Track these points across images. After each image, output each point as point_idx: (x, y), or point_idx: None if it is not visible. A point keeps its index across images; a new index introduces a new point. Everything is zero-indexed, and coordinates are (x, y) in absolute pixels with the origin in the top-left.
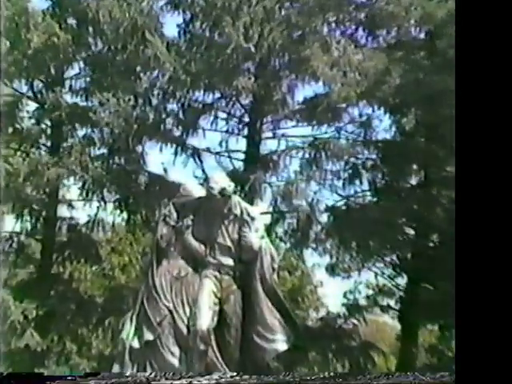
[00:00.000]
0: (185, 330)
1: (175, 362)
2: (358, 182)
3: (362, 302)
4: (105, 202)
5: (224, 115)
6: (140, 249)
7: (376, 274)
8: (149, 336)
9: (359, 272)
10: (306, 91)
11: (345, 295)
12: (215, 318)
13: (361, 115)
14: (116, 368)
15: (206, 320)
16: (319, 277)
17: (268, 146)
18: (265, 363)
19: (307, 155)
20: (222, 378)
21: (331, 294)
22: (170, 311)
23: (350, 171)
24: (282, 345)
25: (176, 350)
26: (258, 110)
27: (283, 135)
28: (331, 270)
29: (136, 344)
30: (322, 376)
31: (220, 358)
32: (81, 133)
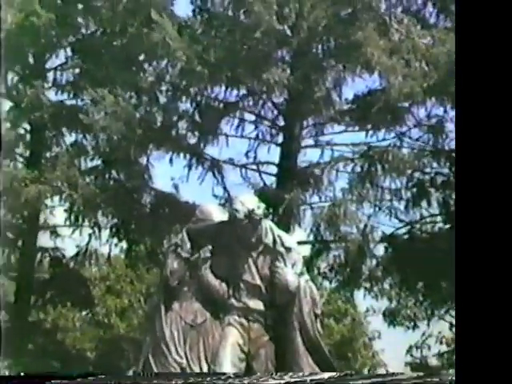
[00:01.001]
0: None
1: None
2: (424, 203)
3: (433, 360)
4: (99, 229)
5: (252, 117)
6: (143, 288)
7: (451, 325)
8: None
9: (428, 321)
10: (357, 86)
11: (409, 351)
12: None
13: (429, 117)
14: None
15: None
16: (375, 326)
17: (308, 156)
18: None
19: (359, 169)
20: None
21: (391, 349)
22: (183, 369)
23: (415, 190)
24: None
25: None
26: (295, 110)
27: (328, 143)
28: (391, 317)
29: None
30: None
31: None
32: (68, 139)
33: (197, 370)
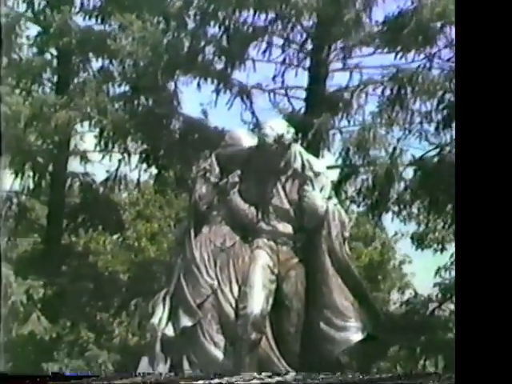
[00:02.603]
0: (232, 315)
1: (219, 354)
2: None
3: None
4: (128, 154)
5: (280, 41)
6: (173, 213)
7: None
8: (186, 322)
9: None
10: (387, 7)
11: (438, 273)
12: (271, 300)
13: None
14: (144, 362)
15: (259, 302)
16: (404, 249)
17: (337, 80)
18: (334, 357)
19: (388, 92)
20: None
21: (420, 271)
22: (214, 290)
23: (446, 112)
24: (356, 334)
25: (220, 340)
26: (323, 33)
27: (357, 66)
28: (419, 240)
29: (170, 332)
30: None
31: (277, 351)
32: (96, 65)
33: (227, 291)
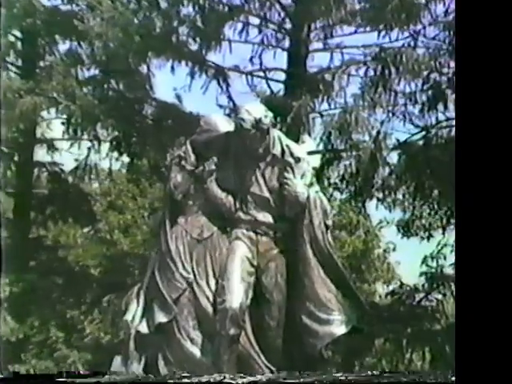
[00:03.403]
0: (210, 309)
1: (196, 351)
2: (441, 106)
3: (449, 270)
4: (98, 142)
5: (257, 21)
6: (147, 204)
7: None
8: (162, 318)
9: (443, 231)
10: None
11: (424, 262)
12: (250, 293)
13: (447, 13)
14: (117, 361)
15: (237, 295)
16: (389, 237)
17: (317, 61)
18: (317, 352)
19: (371, 72)
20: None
21: (405, 260)
22: (190, 284)
23: (431, 92)
24: (339, 327)
25: (197, 336)
26: (303, 11)
27: (338, 46)
28: (405, 228)
29: (145, 329)
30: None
31: (257, 347)
32: (63, 48)
33: (204, 285)
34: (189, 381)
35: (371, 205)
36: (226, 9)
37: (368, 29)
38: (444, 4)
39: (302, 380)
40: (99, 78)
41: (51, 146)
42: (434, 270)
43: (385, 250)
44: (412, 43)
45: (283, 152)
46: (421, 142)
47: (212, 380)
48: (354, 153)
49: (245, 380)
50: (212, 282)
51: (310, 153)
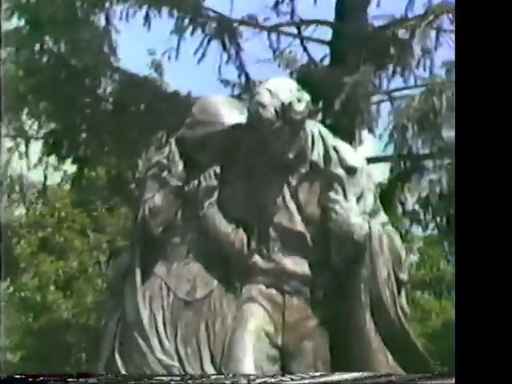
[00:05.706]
0: None
1: None
2: None
3: None
4: (26, 140)
5: None
6: (104, 242)
7: None
8: None
9: None
10: None
11: None
12: None
13: None
14: None
15: None
16: None
17: (385, 8)
18: None
19: None
20: None
21: None
22: (173, 375)
23: None
24: None
25: None
26: None
27: None
28: None
29: None
30: None
31: None
32: None
33: (197, 376)
34: None
35: None
36: None
37: None
38: None
39: None
40: (27, 32)
41: None
42: None
43: None
44: None
45: (328, 158)
46: None
47: None
48: (445, 161)
49: None
50: (210, 371)
51: (373, 160)
